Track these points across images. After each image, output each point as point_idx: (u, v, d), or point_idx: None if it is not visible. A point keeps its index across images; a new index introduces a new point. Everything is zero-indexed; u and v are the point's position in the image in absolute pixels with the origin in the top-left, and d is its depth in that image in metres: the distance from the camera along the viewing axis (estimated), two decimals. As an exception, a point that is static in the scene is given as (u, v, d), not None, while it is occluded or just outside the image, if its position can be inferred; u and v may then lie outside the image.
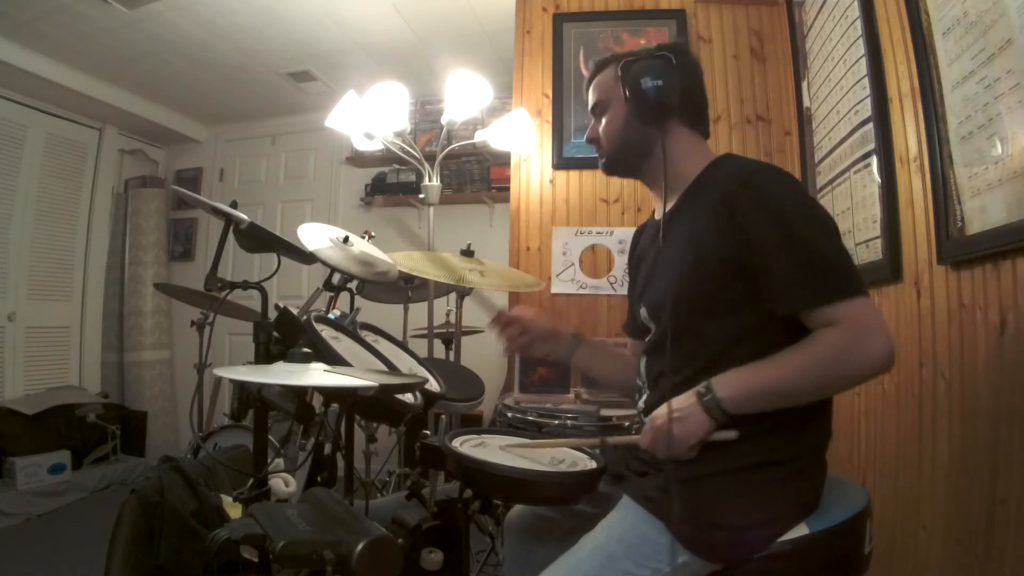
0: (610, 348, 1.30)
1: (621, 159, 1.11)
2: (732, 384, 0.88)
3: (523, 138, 2.39)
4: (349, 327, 1.32)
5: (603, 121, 1.10)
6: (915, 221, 1.40)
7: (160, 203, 4.21)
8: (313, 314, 1.24)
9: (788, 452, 0.90)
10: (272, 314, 1.23)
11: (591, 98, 1.12)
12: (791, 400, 0.87)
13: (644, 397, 1.07)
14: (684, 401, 0.91)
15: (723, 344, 0.93)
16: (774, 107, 2.38)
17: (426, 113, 3.76)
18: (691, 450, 0.89)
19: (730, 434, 0.88)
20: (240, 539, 0.75)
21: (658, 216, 1.13)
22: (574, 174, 2.48)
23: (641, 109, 1.02)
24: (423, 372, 1.33)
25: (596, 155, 1.16)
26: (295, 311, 1.23)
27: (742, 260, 0.90)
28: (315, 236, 1.52)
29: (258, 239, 1.37)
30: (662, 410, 0.92)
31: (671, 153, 1.05)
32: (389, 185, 3.85)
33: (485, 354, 3.03)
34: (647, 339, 1.09)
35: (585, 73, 2.47)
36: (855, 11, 1.63)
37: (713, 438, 0.89)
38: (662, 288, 1.02)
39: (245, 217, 1.35)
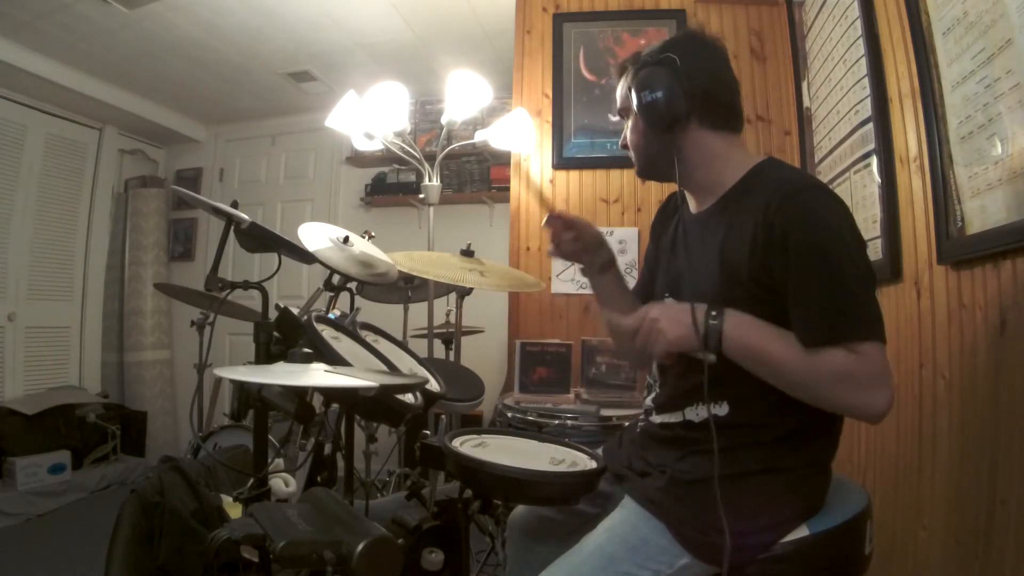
0: (629, 291, 1.26)
1: (649, 168, 1.07)
2: (741, 327, 0.86)
3: (523, 138, 2.39)
4: (349, 327, 1.32)
5: (628, 129, 1.06)
6: (915, 221, 1.40)
7: (160, 203, 4.21)
8: (313, 314, 1.24)
9: (793, 460, 0.90)
10: (272, 314, 1.23)
11: (617, 102, 1.09)
12: (775, 380, 0.86)
13: (653, 395, 1.07)
14: (687, 309, 0.88)
15: None
16: (774, 107, 2.38)
17: (426, 113, 3.76)
18: (665, 353, 0.88)
19: (710, 357, 0.87)
20: (240, 539, 0.75)
21: (693, 210, 1.08)
22: (574, 174, 2.48)
23: (651, 121, 0.97)
24: (423, 372, 1.33)
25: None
26: (295, 311, 1.23)
27: (772, 280, 0.87)
28: (315, 236, 1.52)
29: (259, 239, 1.37)
30: (658, 306, 0.92)
31: (698, 159, 1.00)
32: (389, 185, 3.85)
33: (485, 354, 3.03)
34: None
35: (587, 75, 2.50)
36: (855, 11, 1.63)
37: (695, 355, 0.88)
38: (689, 290, 1.00)
39: (246, 217, 1.35)
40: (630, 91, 0.99)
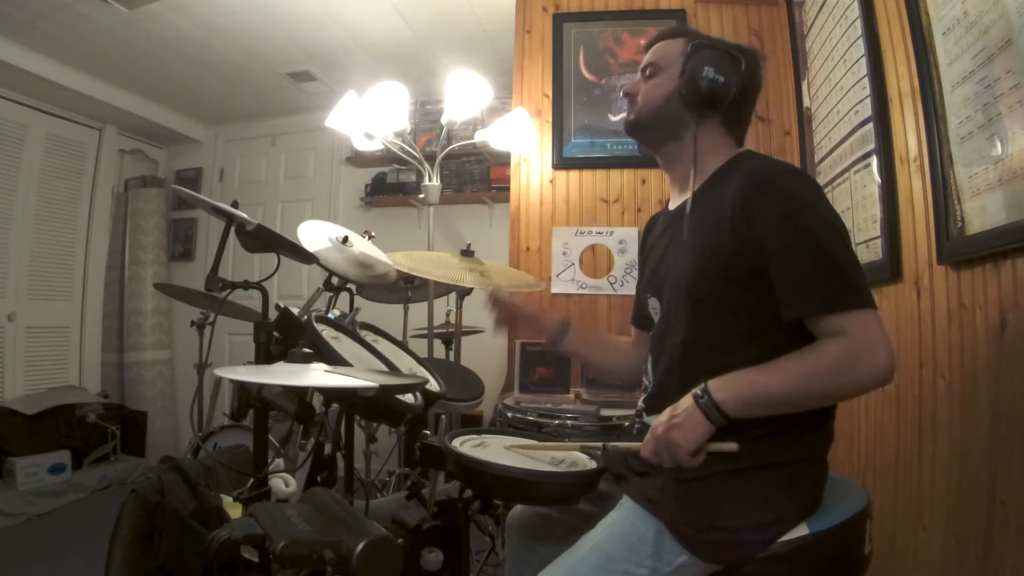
0: (603, 336, 1.31)
1: (648, 126, 1.08)
2: (730, 387, 0.87)
3: (523, 138, 2.39)
4: (349, 327, 1.32)
5: (649, 83, 1.07)
6: (915, 221, 1.40)
7: (160, 203, 4.21)
8: (313, 314, 1.24)
9: (790, 454, 0.90)
10: (272, 314, 1.23)
11: (647, 58, 1.10)
12: (788, 407, 0.87)
13: (644, 395, 1.08)
14: (681, 405, 0.90)
15: (725, 346, 0.92)
16: (774, 107, 2.38)
17: (426, 113, 3.76)
18: (693, 457, 0.88)
19: (731, 445, 0.87)
20: (240, 539, 0.75)
21: (672, 206, 1.12)
22: (574, 174, 2.48)
23: (689, 93, 1.00)
24: (423, 372, 1.33)
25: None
26: (295, 311, 1.23)
27: (753, 261, 0.89)
28: (315, 235, 1.52)
29: (261, 239, 1.37)
30: (662, 417, 0.91)
31: (700, 146, 1.04)
32: (389, 185, 3.85)
33: (485, 354, 3.03)
34: (652, 333, 1.09)
35: (587, 75, 2.49)
36: (855, 11, 1.63)
37: (712, 449, 0.88)
38: (671, 282, 1.03)
39: (248, 218, 1.35)
40: (682, 55, 1.03)
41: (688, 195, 1.06)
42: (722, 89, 0.99)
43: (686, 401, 0.90)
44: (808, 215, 0.88)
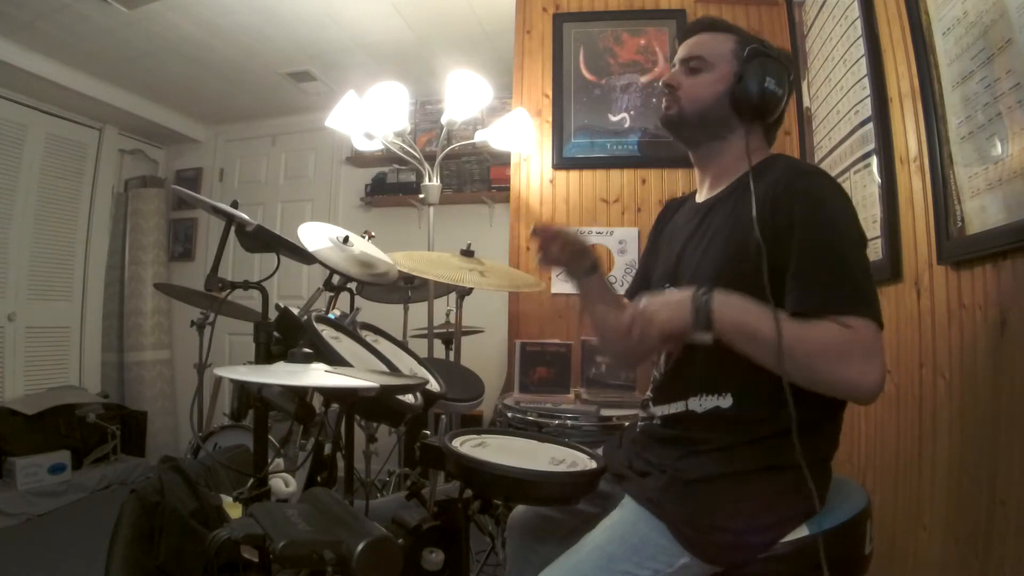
0: (618, 295, 1.26)
1: (692, 124, 1.06)
2: (731, 304, 0.85)
3: (523, 138, 2.39)
4: (349, 327, 1.32)
5: (695, 79, 1.05)
6: (915, 221, 1.40)
7: (160, 203, 4.21)
8: (313, 314, 1.24)
9: (792, 457, 0.90)
10: (272, 314, 1.23)
11: (689, 50, 1.07)
12: (767, 358, 0.84)
13: (654, 384, 1.08)
14: (678, 293, 0.89)
15: None
16: (774, 107, 2.37)
17: (426, 113, 3.76)
18: (661, 339, 0.86)
19: (706, 337, 0.85)
20: (240, 539, 0.75)
21: (700, 199, 1.12)
22: (574, 174, 2.48)
23: (743, 98, 1.00)
24: (423, 372, 1.33)
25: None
26: (295, 311, 1.23)
27: (772, 260, 0.88)
28: (315, 236, 1.52)
29: (261, 240, 1.37)
30: (648, 296, 0.90)
31: (739, 149, 1.03)
32: (389, 185, 3.85)
33: (485, 354, 3.03)
34: None
35: (587, 75, 2.49)
36: (855, 11, 1.63)
37: (691, 339, 0.86)
38: (691, 274, 1.02)
39: (249, 218, 1.35)
40: (735, 55, 1.03)
41: (718, 190, 1.07)
42: (776, 101, 1.01)
43: (684, 291, 0.88)
44: (826, 218, 0.88)
